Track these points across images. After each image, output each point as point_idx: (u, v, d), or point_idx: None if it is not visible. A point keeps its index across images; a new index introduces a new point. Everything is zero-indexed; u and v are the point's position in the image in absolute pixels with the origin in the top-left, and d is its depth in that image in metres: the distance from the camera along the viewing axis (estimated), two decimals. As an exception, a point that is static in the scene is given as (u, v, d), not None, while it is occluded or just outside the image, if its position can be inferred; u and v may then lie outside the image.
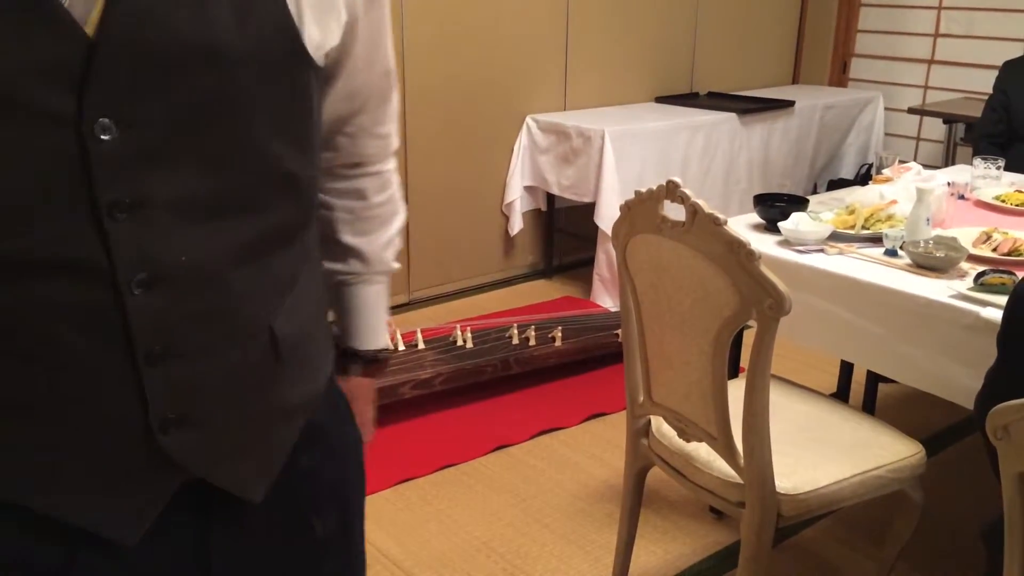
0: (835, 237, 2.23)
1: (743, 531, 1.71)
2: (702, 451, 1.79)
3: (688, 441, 1.79)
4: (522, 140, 4.12)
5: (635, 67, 4.56)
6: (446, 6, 3.77)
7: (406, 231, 3.86)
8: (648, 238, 1.69)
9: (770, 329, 1.52)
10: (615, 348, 3.28)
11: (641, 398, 1.89)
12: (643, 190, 1.68)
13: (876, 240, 2.21)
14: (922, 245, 2.09)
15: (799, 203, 2.46)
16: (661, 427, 1.89)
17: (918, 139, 5.17)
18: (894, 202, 2.36)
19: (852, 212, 2.32)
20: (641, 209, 1.70)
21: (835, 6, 5.30)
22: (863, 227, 2.26)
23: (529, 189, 4.19)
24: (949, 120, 4.60)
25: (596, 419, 2.96)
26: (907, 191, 2.37)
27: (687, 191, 1.58)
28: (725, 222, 1.52)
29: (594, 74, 4.38)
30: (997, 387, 1.38)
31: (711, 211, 1.53)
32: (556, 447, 2.79)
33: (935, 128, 4.91)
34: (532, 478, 2.62)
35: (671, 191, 1.61)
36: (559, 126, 3.99)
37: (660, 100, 4.62)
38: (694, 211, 1.56)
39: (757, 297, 1.50)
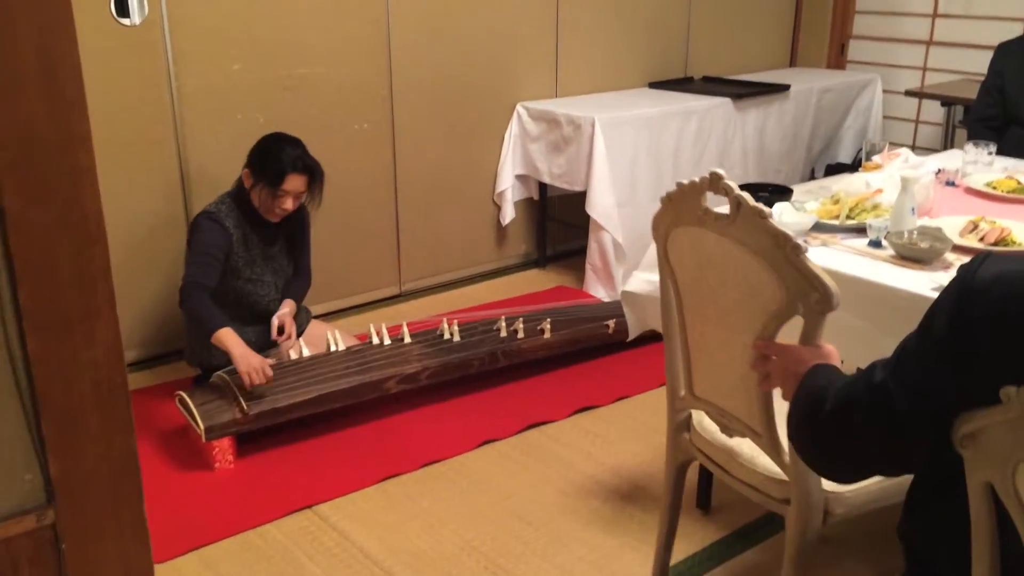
0: (819, 228, 2.19)
1: (788, 528, 1.69)
2: (745, 447, 1.77)
3: (731, 436, 1.77)
4: (513, 128, 4.07)
5: (628, 52, 4.50)
6: (432, -6, 3.72)
7: (395, 223, 3.83)
8: (690, 230, 1.66)
9: (817, 324, 1.48)
10: (604, 339, 3.24)
11: (682, 392, 1.86)
12: (684, 181, 1.65)
13: (860, 231, 2.17)
14: (906, 236, 2.04)
15: (783, 193, 2.42)
16: (703, 421, 1.88)
17: (917, 122, 5.10)
18: (880, 191, 2.32)
19: (837, 202, 2.28)
20: (683, 201, 1.66)
21: (832, -13, 5.22)
22: (848, 217, 2.22)
23: (521, 178, 4.14)
24: (947, 103, 4.54)
25: (584, 412, 2.93)
26: (893, 179, 2.33)
27: (731, 183, 1.54)
28: (770, 215, 1.48)
29: (586, 59, 4.32)
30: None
31: (756, 204, 1.50)
32: (543, 442, 2.76)
33: (934, 110, 4.84)
34: (518, 474, 2.59)
35: (714, 183, 1.57)
36: (550, 114, 3.94)
37: (653, 85, 4.56)
38: (738, 204, 1.52)
39: (803, 292, 1.47)
